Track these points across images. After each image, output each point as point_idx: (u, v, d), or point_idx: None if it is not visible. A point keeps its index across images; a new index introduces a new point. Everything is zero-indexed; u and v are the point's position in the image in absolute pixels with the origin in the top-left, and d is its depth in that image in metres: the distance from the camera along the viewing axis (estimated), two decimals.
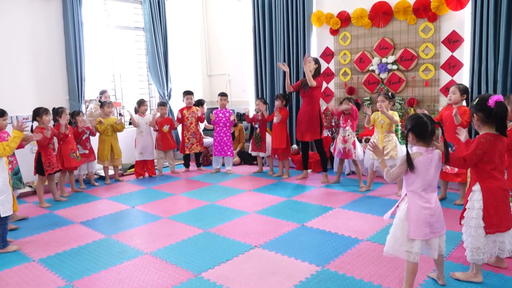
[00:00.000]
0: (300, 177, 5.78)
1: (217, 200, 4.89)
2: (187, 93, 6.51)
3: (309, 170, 6.09)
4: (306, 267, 3.04)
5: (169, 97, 7.27)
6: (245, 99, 7.63)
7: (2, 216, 3.48)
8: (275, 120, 5.80)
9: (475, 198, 2.65)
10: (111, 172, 6.17)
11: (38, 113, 4.77)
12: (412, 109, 5.68)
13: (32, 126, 4.78)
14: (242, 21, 7.45)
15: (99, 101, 6.33)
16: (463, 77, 5.34)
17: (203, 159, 6.97)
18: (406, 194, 2.54)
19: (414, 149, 2.50)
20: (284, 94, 5.94)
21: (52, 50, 6.03)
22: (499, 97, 2.56)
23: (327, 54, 6.51)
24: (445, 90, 5.48)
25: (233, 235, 3.72)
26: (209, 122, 6.83)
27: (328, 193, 5.06)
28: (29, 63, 5.82)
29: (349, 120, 5.20)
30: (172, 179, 6.14)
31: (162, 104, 6.52)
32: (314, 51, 6.60)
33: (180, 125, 6.56)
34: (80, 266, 3.22)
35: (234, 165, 6.79)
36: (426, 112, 3.34)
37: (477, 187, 2.65)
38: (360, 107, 5.52)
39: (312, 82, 5.30)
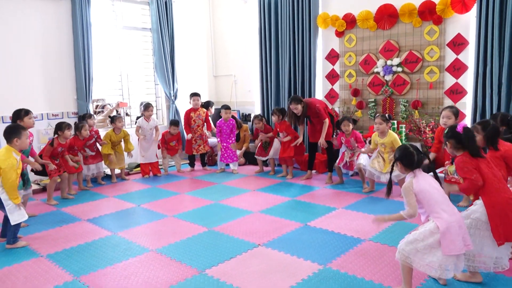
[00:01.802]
0: (305, 177, 5.82)
1: (222, 199, 4.94)
2: (194, 95, 6.56)
3: (314, 171, 6.13)
4: (308, 266, 3.09)
5: (175, 97, 7.34)
6: (250, 99, 7.69)
7: (12, 224, 3.58)
8: (285, 139, 5.91)
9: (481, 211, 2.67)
10: (117, 171, 6.25)
11: (60, 127, 4.98)
12: (416, 111, 5.71)
13: (53, 139, 4.98)
14: (248, 22, 7.51)
15: (110, 116, 6.34)
16: (468, 80, 5.36)
17: (208, 158, 7.03)
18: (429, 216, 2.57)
19: (407, 178, 2.64)
20: (280, 109, 6.06)
21: (61, 50, 6.12)
22: (464, 124, 2.78)
23: (333, 56, 6.55)
24: (450, 92, 5.51)
25: (237, 234, 3.77)
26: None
27: (331, 193, 5.10)
28: (38, 63, 5.91)
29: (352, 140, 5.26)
30: (178, 178, 6.20)
31: (175, 124, 6.48)
32: (320, 53, 6.64)
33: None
34: (87, 262, 3.28)
35: (239, 165, 6.84)
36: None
37: (480, 201, 2.70)
38: (356, 122, 5.57)
39: (326, 121, 5.47)
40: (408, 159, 2.61)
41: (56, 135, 5.01)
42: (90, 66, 6.25)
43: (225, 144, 6.42)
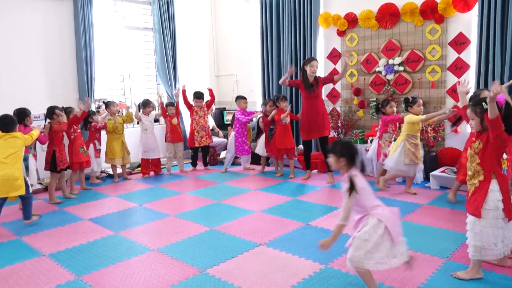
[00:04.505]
0: (306, 177, 5.81)
1: (223, 199, 4.95)
2: (196, 96, 6.52)
3: (315, 170, 6.13)
4: (309, 265, 3.09)
5: (177, 96, 7.34)
6: (252, 99, 7.68)
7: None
8: (284, 121, 5.90)
9: (492, 189, 2.65)
10: (118, 170, 6.26)
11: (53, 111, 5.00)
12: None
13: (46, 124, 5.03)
14: (250, 22, 7.51)
15: (104, 102, 6.40)
16: (470, 79, 5.34)
17: (210, 158, 7.04)
18: (365, 216, 2.54)
19: (353, 173, 2.51)
20: (272, 98, 6.17)
21: (63, 50, 6.14)
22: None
23: (334, 55, 6.55)
24: (452, 91, 5.50)
25: (238, 233, 3.78)
26: (232, 121, 6.95)
27: (333, 193, 5.10)
28: (41, 63, 5.94)
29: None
30: (180, 178, 6.21)
31: (171, 105, 6.57)
32: (321, 52, 6.64)
33: (189, 118, 6.65)
34: (89, 261, 3.30)
35: (240, 164, 6.85)
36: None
37: (494, 179, 2.67)
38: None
39: (341, 76, 5.58)
40: (353, 156, 2.52)
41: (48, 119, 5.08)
42: (92, 66, 6.27)
43: (240, 139, 6.33)
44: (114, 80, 6.94)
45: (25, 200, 4.22)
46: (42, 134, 4.79)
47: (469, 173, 2.78)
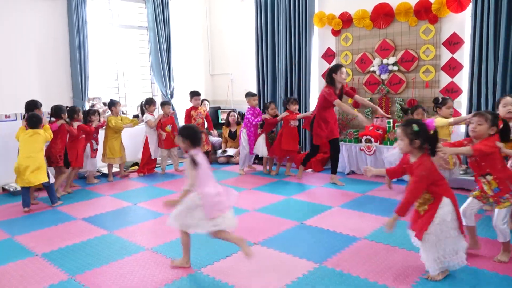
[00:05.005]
0: (300, 175, 5.79)
1: None
2: (195, 94, 6.51)
3: (309, 170, 6.14)
4: (304, 264, 3.10)
5: (172, 96, 7.33)
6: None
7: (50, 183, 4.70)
8: (293, 124, 5.84)
9: (446, 211, 2.67)
10: (115, 169, 6.25)
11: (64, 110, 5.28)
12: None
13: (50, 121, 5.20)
14: (245, 21, 7.51)
15: (111, 100, 6.33)
16: (463, 78, 5.38)
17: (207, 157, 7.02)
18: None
19: (194, 152, 2.98)
20: (284, 102, 6.04)
21: (56, 48, 6.10)
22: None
23: (329, 55, 6.56)
24: (445, 91, 5.53)
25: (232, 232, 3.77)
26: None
27: (327, 192, 5.11)
28: (33, 61, 5.89)
29: None
30: (174, 177, 6.20)
31: (166, 103, 6.49)
32: (316, 51, 6.65)
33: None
34: (83, 261, 3.28)
35: (234, 163, 6.85)
36: None
37: (446, 201, 2.68)
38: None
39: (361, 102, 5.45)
40: (195, 137, 3.02)
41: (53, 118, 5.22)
42: (86, 64, 6.23)
43: (253, 138, 6.14)
44: (108, 79, 6.91)
45: (49, 188, 4.73)
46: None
47: (420, 201, 2.74)
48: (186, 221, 2.97)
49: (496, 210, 2.98)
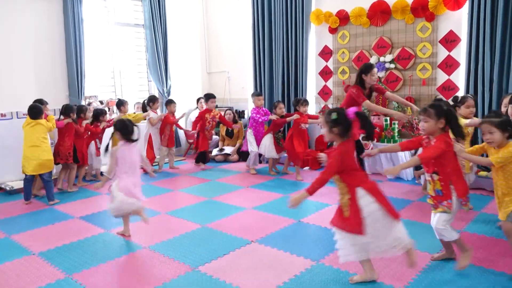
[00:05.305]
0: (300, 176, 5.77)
1: (215, 196, 4.94)
2: (211, 97, 6.32)
3: (306, 168, 6.14)
4: (301, 262, 3.10)
5: (169, 94, 7.31)
6: (244, 96, 7.68)
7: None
8: (303, 126, 5.64)
9: (367, 202, 2.58)
10: None
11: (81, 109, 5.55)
12: (409, 108, 5.73)
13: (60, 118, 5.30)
14: (241, 18, 7.49)
15: (119, 100, 6.32)
16: (460, 76, 5.39)
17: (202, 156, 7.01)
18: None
19: (120, 144, 3.59)
20: (294, 103, 5.78)
21: (52, 46, 6.07)
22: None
23: (326, 53, 6.56)
24: (442, 89, 5.54)
25: (230, 230, 3.78)
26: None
27: (324, 190, 5.07)
28: (29, 59, 5.86)
29: None
30: (171, 175, 6.19)
31: (172, 102, 6.47)
32: (313, 49, 6.65)
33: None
34: (80, 260, 3.27)
35: (232, 162, 6.85)
36: None
37: (361, 192, 2.60)
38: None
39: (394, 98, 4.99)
40: (126, 129, 3.54)
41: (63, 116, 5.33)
42: (82, 63, 6.21)
43: (259, 137, 5.99)
44: (105, 77, 6.88)
45: (48, 184, 4.79)
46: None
47: (338, 191, 2.70)
48: (123, 207, 3.63)
49: (435, 214, 2.79)
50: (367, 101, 4.65)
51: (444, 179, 2.72)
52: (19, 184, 5.44)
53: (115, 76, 6.94)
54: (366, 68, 4.59)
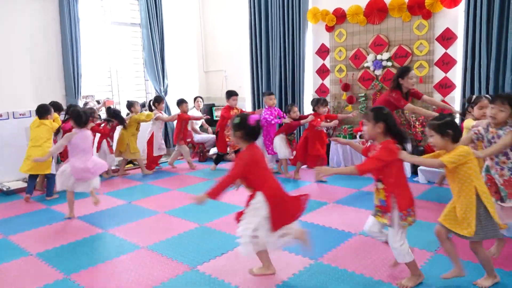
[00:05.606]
0: (297, 173, 5.77)
1: None
2: (233, 94, 6.20)
3: (304, 166, 6.14)
4: (299, 260, 3.11)
5: (166, 93, 7.30)
6: (241, 95, 7.65)
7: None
8: (321, 128, 5.42)
9: (259, 206, 2.77)
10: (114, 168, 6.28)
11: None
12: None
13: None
14: (238, 17, 7.48)
15: (128, 101, 6.33)
16: (456, 74, 5.41)
17: (199, 155, 7.01)
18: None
19: (75, 131, 4.08)
20: (312, 104, 5.60)
21: (48, 46, 6.04)
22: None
23: (323, 51, 6.56)
24: (439, 86, 5.56)
25: (228, 230, 3.77)
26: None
27: (323, 188, 5.12)
28: (25, 59, 5.83)
29: None
30: (169, 175, 6.18)
31: (184, 102, 6.47)
32: (310, 47, 6.65)
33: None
34: (78, 260, 3.27)
35: (231, 161, 6.82)
36: None
37: (259, 197, 2.77)
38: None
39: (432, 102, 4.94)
40: (80, 118, 4.02)
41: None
42: (78, 62, 6.18)
43: (270, 137, 5.81)
44: (102, 76, 6.86)
45: (49, 180, 4.91)
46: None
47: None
48: (68, 183, 4.14)
49: (389, 229, 2.62)
50: (409, 104, 4.54)
51: (387, 190, 2.58)
52: (16, 185, 5.43)
53: (112, 76, 6.92)
54: (403, 72, 4.46)
